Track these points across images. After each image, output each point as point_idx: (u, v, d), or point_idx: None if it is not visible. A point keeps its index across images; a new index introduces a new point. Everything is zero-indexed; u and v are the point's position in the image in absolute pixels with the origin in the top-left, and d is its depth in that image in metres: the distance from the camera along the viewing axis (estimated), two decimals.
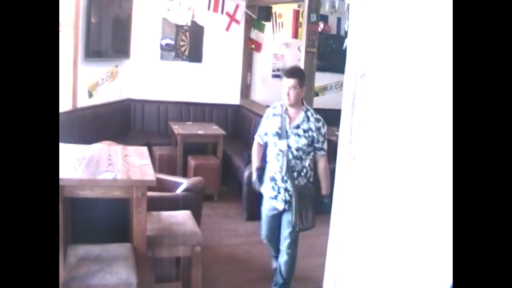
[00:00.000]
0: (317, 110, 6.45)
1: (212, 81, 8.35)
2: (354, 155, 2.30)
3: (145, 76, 8.04)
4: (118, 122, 7.55)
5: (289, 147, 3.98)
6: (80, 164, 3.37)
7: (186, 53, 8.23)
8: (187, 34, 8.16)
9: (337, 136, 2.77)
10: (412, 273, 1.90)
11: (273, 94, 8.48)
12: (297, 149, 3.98)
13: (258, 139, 4.31)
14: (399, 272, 1.99)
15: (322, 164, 4.10)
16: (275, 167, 4.07)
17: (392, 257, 2.04)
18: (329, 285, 2.53)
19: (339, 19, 9.09)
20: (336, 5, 8.45)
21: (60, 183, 3.02)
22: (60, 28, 5.83)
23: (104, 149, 4.01)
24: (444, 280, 1.63)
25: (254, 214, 5.92)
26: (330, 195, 3.25)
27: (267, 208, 4.26)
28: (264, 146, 4.27)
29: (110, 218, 3.55)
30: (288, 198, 4.04)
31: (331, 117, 5.09)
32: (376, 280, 2.14)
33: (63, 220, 3.07)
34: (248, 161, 6.30)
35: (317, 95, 7.59)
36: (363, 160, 2.24)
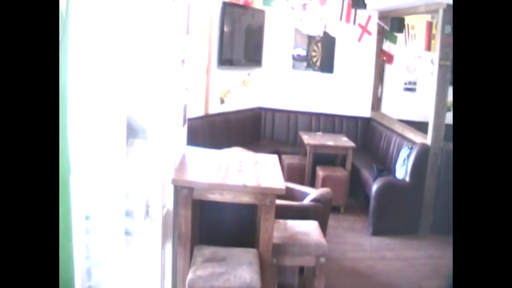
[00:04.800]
0: (450, 126, 6.21)
1: (343, 93, 8.27)
2: None
3: (276, 85, 8.15)
4: (248, 129, 7.71)
5: None
6: (211, 168, 3.46)
7: (318, 63, 8.22)
8: (319, 44, 8.16)
9: None
10: None
11: (404, 108, 8.27)
12: None
13: None
14: None
15: None
16: None
17: None
18: None
19: None
20: None
21: (190, 185, 3.13)
22: (194, 37, 6.07)
23: (234, 155, 4.09)
24: None
25: (380, 229, 5.80)
26: None
27: None
28: None
29: (237, 223, 3.60)
30: None
31: None
32: None
33: (191, 221, 3.17)
34: (377, 175, 6.17)
35: (450, 110, 7.25)
36: None
